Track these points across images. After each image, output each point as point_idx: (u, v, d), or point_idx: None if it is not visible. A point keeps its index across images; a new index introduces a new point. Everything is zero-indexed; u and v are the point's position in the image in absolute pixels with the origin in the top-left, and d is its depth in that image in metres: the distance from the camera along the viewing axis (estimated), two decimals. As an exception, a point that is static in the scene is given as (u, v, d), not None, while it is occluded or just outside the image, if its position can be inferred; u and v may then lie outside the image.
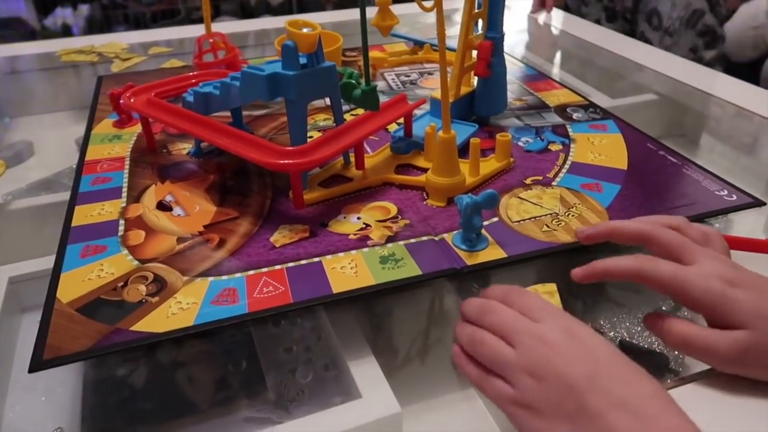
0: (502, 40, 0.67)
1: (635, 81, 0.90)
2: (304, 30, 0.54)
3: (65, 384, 0.46)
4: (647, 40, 1.11)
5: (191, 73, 0.72)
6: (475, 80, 0.71)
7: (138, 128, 0.71)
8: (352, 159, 0.60)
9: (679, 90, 0.83)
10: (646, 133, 0.68)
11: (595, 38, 1.05)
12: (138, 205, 0.56)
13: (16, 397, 0.46)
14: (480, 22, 0.67)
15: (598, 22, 1.20)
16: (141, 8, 2.16)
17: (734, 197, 0.55)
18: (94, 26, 2.19)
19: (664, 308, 0.51)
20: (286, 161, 0.51)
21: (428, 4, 0.52)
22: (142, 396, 0.46)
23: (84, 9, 2.19)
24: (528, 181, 0.59)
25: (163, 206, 0.55)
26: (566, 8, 1.24)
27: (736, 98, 0.78)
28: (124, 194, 0.58)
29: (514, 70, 0.87)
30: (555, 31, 1.13)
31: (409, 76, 0.87)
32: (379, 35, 0.56)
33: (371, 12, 0.53)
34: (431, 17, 1.21)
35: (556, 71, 0.93)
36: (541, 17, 1.17)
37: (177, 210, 0.55)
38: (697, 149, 0.72)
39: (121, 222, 0.53)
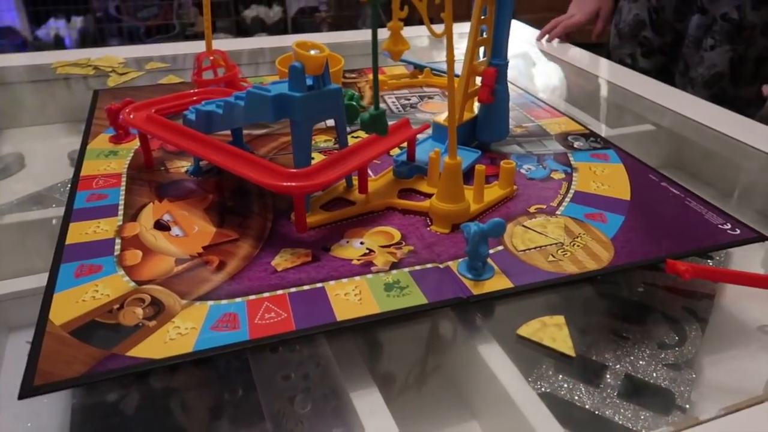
0: (506, 68, 0.68)
1: (633, 111, 0.91)
2: (312, 52, 0.53)
3: (52, 409, 0.44)
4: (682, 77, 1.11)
5: (192, 91, 0.71)
6: (476, 106, 0.71)
7: (135, 144, 0.70)
8: (355, 182, 0.59)
9: (677, 122, 0.84)
10: (647, 163, 0.68)
11: (595, 68, 1.06)
12: (135, 223, 0.54)
13: (1, 424, 0.44)
14: (482, 48, 0.67)
15: (632, 56, 1.19)
16: (136, 22, 2.15)
17: (738, 231, 0.55)
18: (87, 39, 2.18)
19: (667, 341, 0.50)
20: (290, 183, 0.50)
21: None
22: (133, 423, 0.44)
23: (77, 21, 2.17)
24: (532, 209, 0.58)
25: (161, 226, 0.54)
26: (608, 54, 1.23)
27: (734, 131, 0.78)
28: (121, 212, 0.56)
29: (514, 96, 0.87)
30: (555, 61, 1.14)
31: (409, 100, 0.87)
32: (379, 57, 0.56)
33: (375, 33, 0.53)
34: (431, 41, 1.22)
35: (556, 99, 0.93)
36: (545, 45, 1.18)
37: (175, 230, 0.54)
38: (695, 181, 0.73)
39: (118, 241, 0.52)
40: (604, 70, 1.07)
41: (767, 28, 1.02)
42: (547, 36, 1.20)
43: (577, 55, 1.15)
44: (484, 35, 0.65)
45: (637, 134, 0.83)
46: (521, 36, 1.27)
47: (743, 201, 0.67)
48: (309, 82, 0.54)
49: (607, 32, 1.19)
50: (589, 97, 1.01)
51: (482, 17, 0.64)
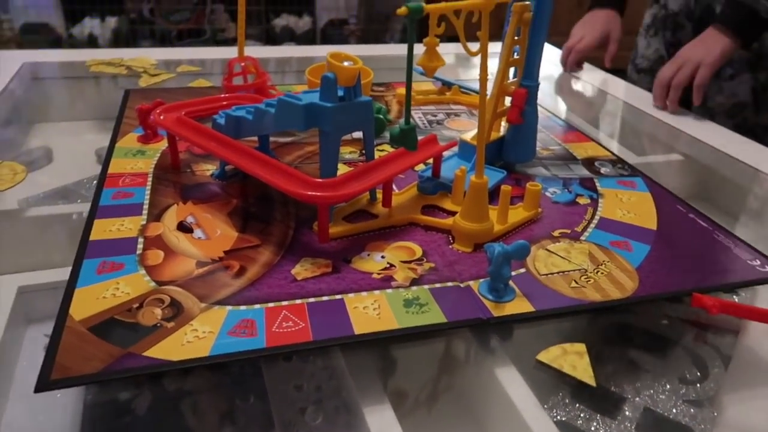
0: (537, 89, 0.67)
1: (662, 140, 0.90)
2: (345, 63, 0.54)
3: (64, 403, 0.44)
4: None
5: (222, 95, 0.72)
6: (503, 126, 0.70)
7: (162, 145, 0.70)
8: (379, 195, 0.59)
9: (707, 153, 0.83)
10: (675, 193, 0.67)
11: (624, 94, 1.05)
12: (158, 223, 0.55)
13: (14, 416, 0.44)
14: (513, 69, 0.67)
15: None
16: (168, 25, 2.19)
17: (767, 268, 0.54)
18: (119, 39, 2.23)
19: (688, 376, 0.49)
20: (315, 193, 0.50)
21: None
22: (144, 424, 0.43)
23: (112, 21, 2.22)
24: (556, 233, 0.58)
25: (183, 227, 0.54)
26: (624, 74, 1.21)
27: (764, 165, 0.77)
28: (145, 211, 0.56)
29: (542, 118, 0.86)
30: (584, 84, 1.13)
31: (435, 116, 0.87)
32: (405, 72, 0.56)
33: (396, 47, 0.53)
34: (458, 59, 1.22)
35: (583, 123, 0.93)
36: (569, 71, 1.17)
37: (198, 232, 0.54)
38: (723, 215, 0.71)
39: (140, 240, 0.52)
40: (633, 96, 1.06)
41: None
42: (566, 64, 1.18)
43: (606, 80, 1.14)
44: (516, 56, 0.65)
45: (665, 163, 0.82)
46: (550, 58, 1.26)
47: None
48: (340, 92, 0.54)
49: (619, 57, 1.17)
50: (617, 123, 1.00)
51: (516, 38, 0.63)
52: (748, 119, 1.02)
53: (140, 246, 0.51)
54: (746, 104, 1.03)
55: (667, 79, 0.92)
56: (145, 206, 0.57)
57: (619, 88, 1.10)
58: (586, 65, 1.20)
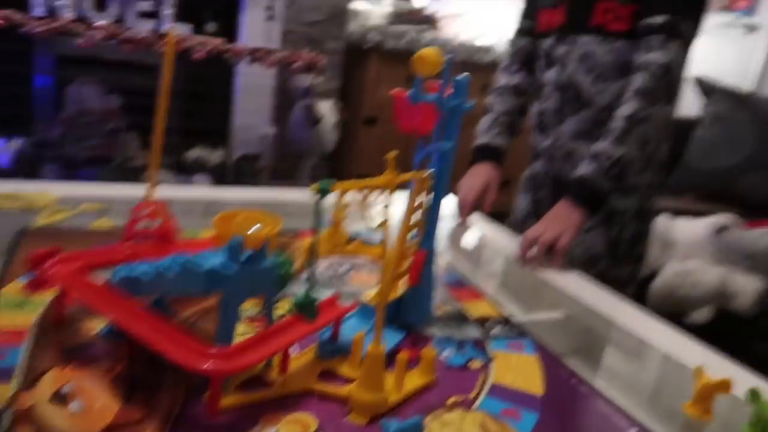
0: (434, 253, 0.72)
1: (548, 297, 0.97)
2: (255, 226, 0.55)
3: None
4: None
5: (125, 245, 0.70)
6: (401, 283, 0.73)
7: (50, 295, 0.67)
8: (275, 361, 0.59)
9: (585, 311, 0.90)
10: (556, 351, 0.71)
11: (512, 247, 1.13)
12: (31, 392, 0.50)
13: None
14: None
15: None
16: (76, 151, 2.16)
17: (642, 439, 0.57)
18: (23, 161, 2.15)
19: None
20: (208, 365, 0.49)
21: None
22: None
23: (17, 142, 2.16)
24: (450, 402, 0.59)
25: (59, 397, 0.50)
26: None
27: (637, 326, 0.84)
28: (18, 377, 0.52)
29: (440, 273, 0.91)
30: (475, 237, 1.21)
31: (341, 266, 0.89)
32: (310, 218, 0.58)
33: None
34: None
35: (475, 277, 0.98)
36: (464, 225, 1.24)
37: (74, 404, 0.50)
38: (601, 372, 0.76)
39: (8, 413, 0.47)
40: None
41: (637, 213, 1.15)
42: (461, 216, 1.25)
43: (498, 233, 1.23)
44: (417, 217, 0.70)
45: (550, 321, 0.87)
46: (447, 208, 1.35)
47: (651, 400, 0.71)
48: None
49: (498, 205, 1.26)
50: (508, 277, 1.07)
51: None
52: (604, 272, 1.12)
53: (6, 422, 0.47)
54: (602, 256, 1.15)
55: (531, 240, 1.02)
56: (19, 371, 0.53)
57: (510, 241, 1.18)
58: (478, 216, 1.28)
